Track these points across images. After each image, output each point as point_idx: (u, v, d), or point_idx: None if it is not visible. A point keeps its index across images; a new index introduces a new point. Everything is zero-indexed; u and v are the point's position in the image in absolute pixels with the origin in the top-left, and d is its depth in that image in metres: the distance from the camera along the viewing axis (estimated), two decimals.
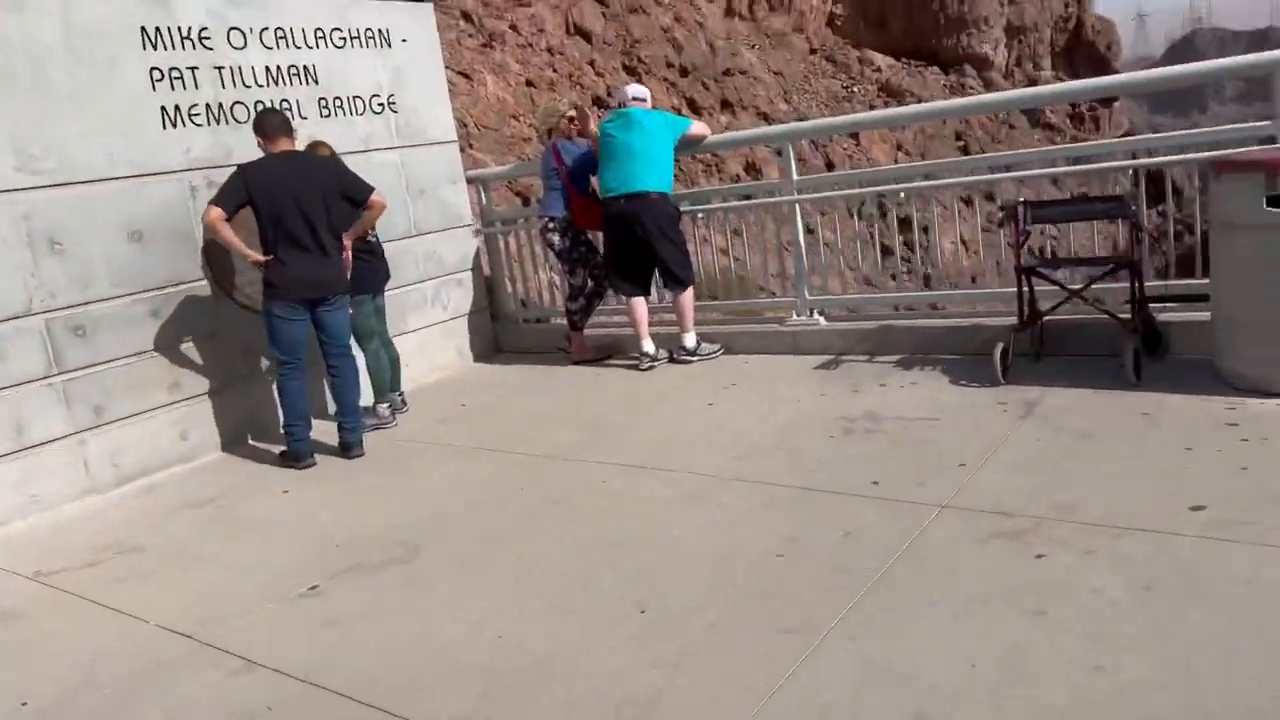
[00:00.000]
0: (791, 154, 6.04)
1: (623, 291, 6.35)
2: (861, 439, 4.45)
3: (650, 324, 6.38)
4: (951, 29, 23.50)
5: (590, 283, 6.69)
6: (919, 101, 20.20)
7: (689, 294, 6.18)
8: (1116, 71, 24.51)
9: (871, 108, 19.43)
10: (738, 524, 3.70)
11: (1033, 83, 24.02)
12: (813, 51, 21.37)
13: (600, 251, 6.61)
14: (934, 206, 6.31)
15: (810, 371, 5.74)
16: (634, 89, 6.34)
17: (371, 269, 5.63)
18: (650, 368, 6.25)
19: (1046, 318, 5.11)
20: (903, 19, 24.04)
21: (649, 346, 6.28)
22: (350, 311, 5.38)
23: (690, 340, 6.24)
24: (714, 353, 6.28)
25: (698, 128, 6.30)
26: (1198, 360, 4.76)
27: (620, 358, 6.76)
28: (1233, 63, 4.69)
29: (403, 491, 4.68)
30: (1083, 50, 24.38)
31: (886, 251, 6.50)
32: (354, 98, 6.41)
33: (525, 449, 5.02)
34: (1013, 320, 5.42)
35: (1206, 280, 5.01)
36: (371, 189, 5.27)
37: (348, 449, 5.28)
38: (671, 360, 6.33)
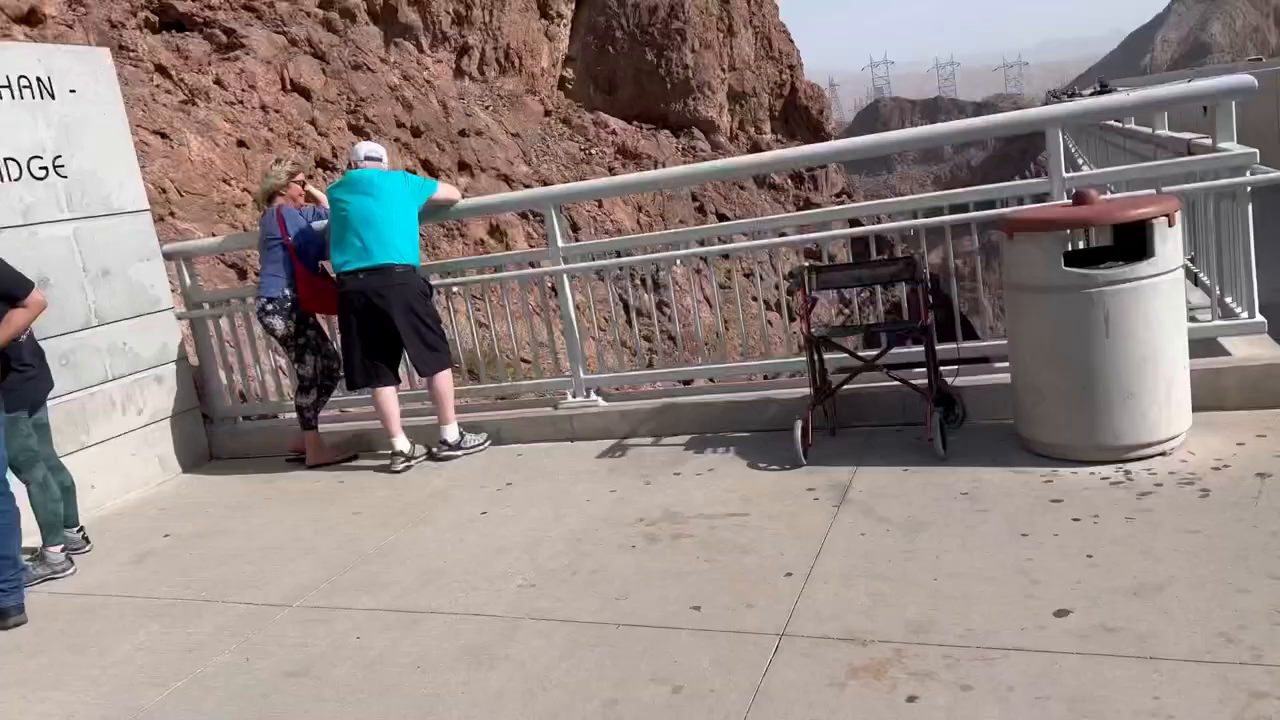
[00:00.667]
0: (555, 219, 5.41)
1: (364, 384, 5.41)
2: (668, 548, 3.81)
3: (402, 415, 5.49)
4: (678, 94, 24.21)
5: (322, 372, 5.71)
6: (656, 163, 20.49)
7: (447, 378, 5.36)
8: (830, 135, 26.22)
9: (610, 170, 19.45)
10: (538, 688, 2.91)
11: (756, 145, 25.18)
12: (547, 114, 21.18)
13: (331, 337, 5.67)
14: (714, 272, 5.89)
15: (594, 462, 5.07)
16: (367, 147, 5.48)
17: (23, 379, 4.37)
18: (406, 468, 5.35)
19: (841, 388, 4.75)
20: (632, 84, 24.49)
21: (403, 443, 5.38)
22: None
23: (451, 433, 5.40)
24: (480, 445, 5.47)
25: (446, 190, 5.54)
26: (995, 426, 4.56)
27: (368, 457, 5.79)
28: (1008, 119, 4.57)
29: (77, 678, 3.50)
30: (798, 114, 25.92)
31: (655, 321, 6.00)
32: (5, 160, 5.12)
33: (251, 596, 3.98)
34: (804, 392, 5.05)
35: (994, 342, 4.86)
36: (30, 285, 4.12)
37: (3, 617, 4.00)
38: (431, 457, 5.45)
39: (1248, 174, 4.22)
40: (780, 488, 4.27)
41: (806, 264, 4.69)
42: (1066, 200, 4.42)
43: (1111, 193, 4.94)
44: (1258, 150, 4.20)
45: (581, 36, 24.64)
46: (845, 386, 4.77)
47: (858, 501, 3.97)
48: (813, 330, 4.62)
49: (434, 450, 5.43)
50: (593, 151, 20.05)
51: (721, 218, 20.37)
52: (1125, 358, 3.81)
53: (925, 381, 4.60)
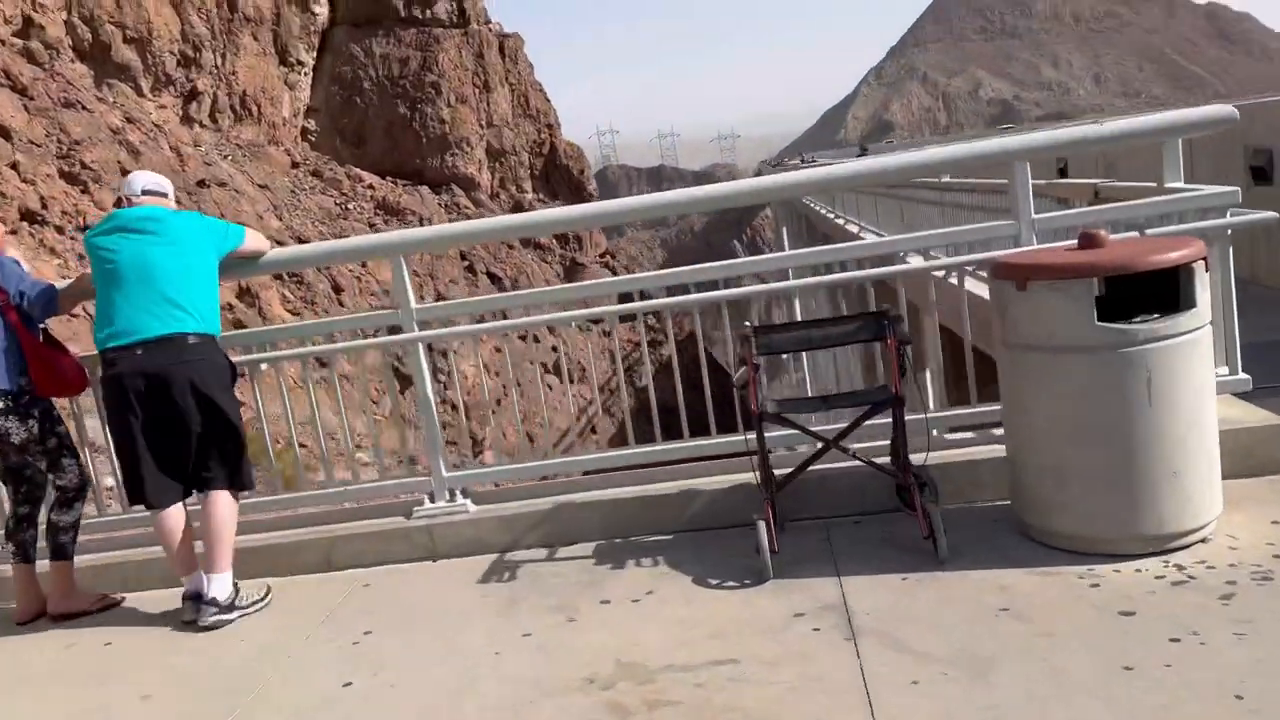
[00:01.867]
0: (405, 273, 4.20)
1: (160, 502, 3.90)
2: None
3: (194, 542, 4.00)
4: (434, 149, 23.01)
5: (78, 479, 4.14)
6: (422, 220, 19.13)
7: (231, 505, 3.87)
8: (592, 195, 25.92)
9: (371, 225, 17.89)
10: None
11: (518, 204, 24.40)
12: (295, 165, 19.28)
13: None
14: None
15: (476, 590, 3.86)
16: (145, 178, 4.01)
17: None
18: (214, 624, 3.83)
19: (791, 475, 3.87)
20: (382, 138, 23.04)
21: (201, 584, 3.89)
22: None
23: (223, 586, 3.82)
24: (261, 602, 3.95)
25: (254, 240, 4.17)
26: (968, 510, 3.85)
27: (140, 601, 4.22)
28: (968, 150, 3.94)
29: None
30: (559, 174, 25.43)
31: (543, 400, 4.87)
32: None
33: None
34: (735, 480, 4.13)
35: (974, 409, 4.17)
36: None
37: None
38: (189, 623, 3.87)
39: (1228, 215, 3.80)
40: (757, 615, 3.30)
41: (748, 325, 3.79)
42: (1043, 245, 3.84)
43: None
44: (1239, 188, 3.80)
45: (325, 86, 22.95)
46: (791, 470, 3.89)
47: (874, 630, 3.06)
48: (761, 403, 3.72)
49: (196, 612, 3.86)
50: (350, 206, 18.41)
51: (492, 278, 19.31)
52: (1170, 428, 3.20)
53: (891, 462, 3.84)
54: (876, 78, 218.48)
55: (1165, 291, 3.24)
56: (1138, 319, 3.20)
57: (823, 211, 20.68)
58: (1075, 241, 3.69)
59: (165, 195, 3.96)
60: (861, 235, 13.52)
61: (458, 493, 4.35)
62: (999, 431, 4.18)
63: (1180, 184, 4.21)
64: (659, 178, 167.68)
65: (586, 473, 4.31)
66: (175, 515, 3.89)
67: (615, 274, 24.30)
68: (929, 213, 8.96)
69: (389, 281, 12.92)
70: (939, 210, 8.58)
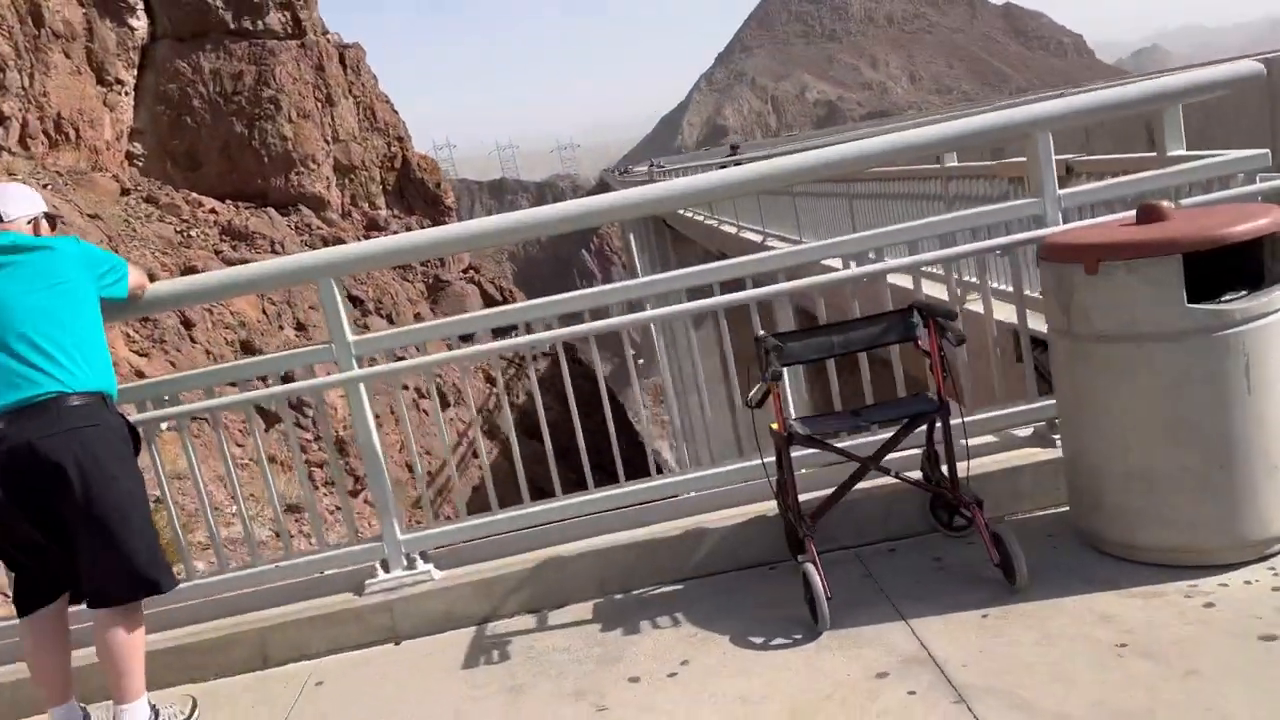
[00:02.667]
0: (339, 300, 3.46)
1: (28, 607, 3.03)
2: None
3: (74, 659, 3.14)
4: (278, 168, 21.52)
5: None
6: (274, 244, 17.76)
7: (136, 619, 3.00)
8: (451, 208, 24.90)
9: (218, 253, 16.43)
10: None
11: (372, 221, 23.14)
12: (125, 192, 17.56)
13: None
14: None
15: (464, 680, 3.17)
16: (13, 191, 3.11)
17: None
18: None
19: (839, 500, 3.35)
20: (219, 159, 21.38)
21: (75, 713, 3.04)
22: None
23: (139, 715, 2.96)
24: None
25: (136, 275, 3.31)
26: (1015, 523, 3.44)
27: None
28: (982, 123, 3.50)
29: None
30: (413, 187, 24.31)
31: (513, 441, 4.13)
32: None
33: None
34: (744, 512, 3.59)
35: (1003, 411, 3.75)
36: None
37: None
38: None
39: (1257, 180, 3.52)
40: (832, 681, 2.75)
41: (761, 334, 3.25)
42: (1070, 225, 3.45)
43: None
44: (1269, 150, 3.52)
45: (150, 105, 21.12)
46: (827, 498, 3.38)
47: (984, 689, 2.57)
48: (789, 423, 3.19)
49: None
50: (193, 234, 16.90)
51: (354, 300, 18.13)
52: (1272, 418, 2.84)
53: (925, 476, 3.39)
54: (708, 84, 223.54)
55: (1238, 266, 2.89)
56: (1226, 298, 2.83)
57: (701, 219, 20.22)
58: (1119, 216, 3.33)
59: (32, 215, 3.08)
60: (770, 245, 11.69)
61: (417, 558, 3.63)
62: (1023, 432, 3.80)
63: (1184, 151, 3.93)
64: (501, 190, 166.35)
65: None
66: (43, 623, 3.02)
67: (483, 289, 23.39)
68: (892, 208, 8.11)
69: (243, 311, 11.72)
70: (905, 204, 7.78)
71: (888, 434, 3.30)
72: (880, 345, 3.40)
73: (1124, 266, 2.85)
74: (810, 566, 3.05)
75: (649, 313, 3.57)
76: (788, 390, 3.23)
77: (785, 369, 3.16)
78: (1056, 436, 3.62)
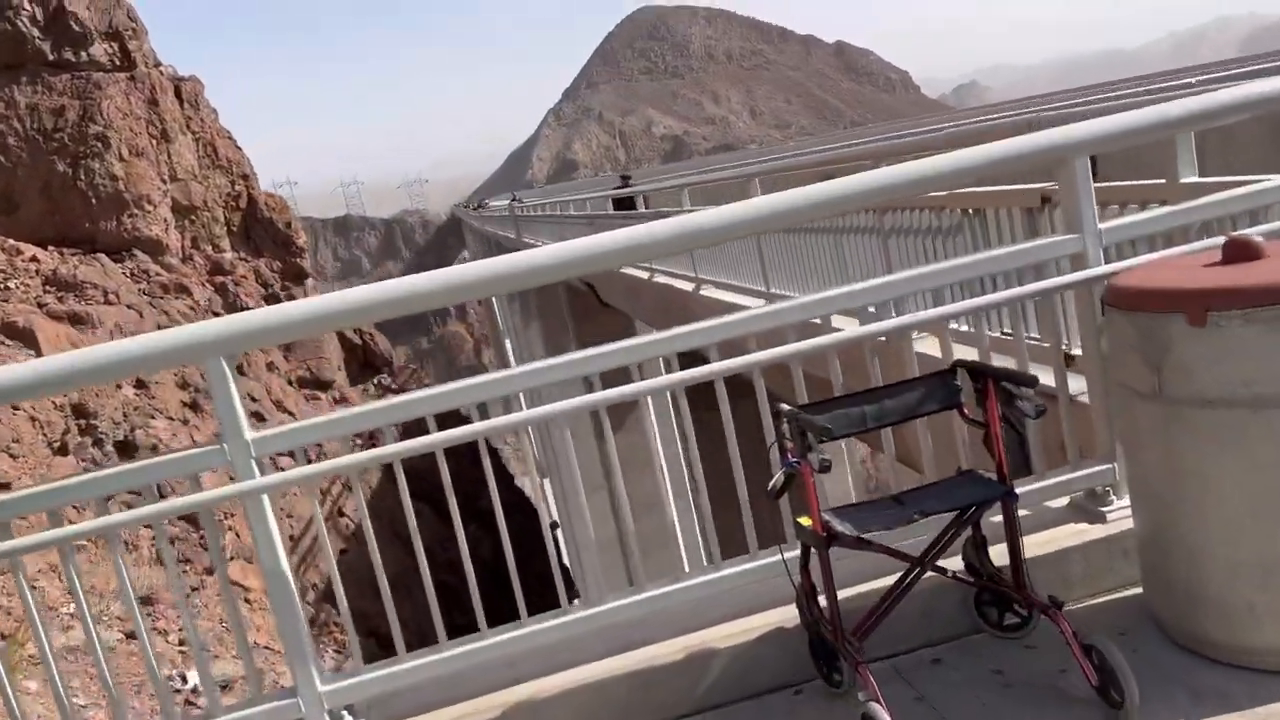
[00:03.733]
0: (232, 386, 2.61)
1: None
2: None
3: None
4: (108, 210, 19.65)
5: None
6: (107, 294, 15.98)
7: None
8: (303, 249, 23.36)
9: (41, 305, 14.64)
10: None
11: (217, 265, 21.42)
12: None
13: None
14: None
15: None
16: None
17: None
18: None
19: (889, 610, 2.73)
20: (40, 200, 19.35)
21: None
22: None
23: None
24: None
25: None
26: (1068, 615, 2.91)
27: None
28: (1017, 146, 2.98)
29: None
30: (261, 228, 22.72)
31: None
32: None
33: None
34: (758, 624, 2.94)
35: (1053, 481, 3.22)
36: None
37: None
38: None
39: None
40: None
41: (785, 408, 2.61)
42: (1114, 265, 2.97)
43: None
44: None
45: None
46: (875, 609, 2.75)
47: None
48: (831, 524, 2.55)
49: None
50: (10, 285, 15.05)
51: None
52: None
53: (971, 569, 2.83)
54: (556, 118, 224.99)
55: None
56: None
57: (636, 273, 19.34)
58: (1175, 252, 2.87)
59: None
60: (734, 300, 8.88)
61: (345, 715, 2.79)
62: (1058, 503, 3.30)
63: (1196, 178, 3.55)
64: (347, 227, 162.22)
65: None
66: None
67: (341, 334, 21.97)
68: (856, 246, 6.77)
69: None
70: (858, 240, 6.84)
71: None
72: (920, 415, 2.82)
73: (1240, 317, 2.36)
74: (876, 707, 2.41)
75: (637, 386, 2.87)
76: (822, 481, 2.60)
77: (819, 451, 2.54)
78: (1105, 509, 3.13)
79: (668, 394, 2.99)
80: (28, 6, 20.05)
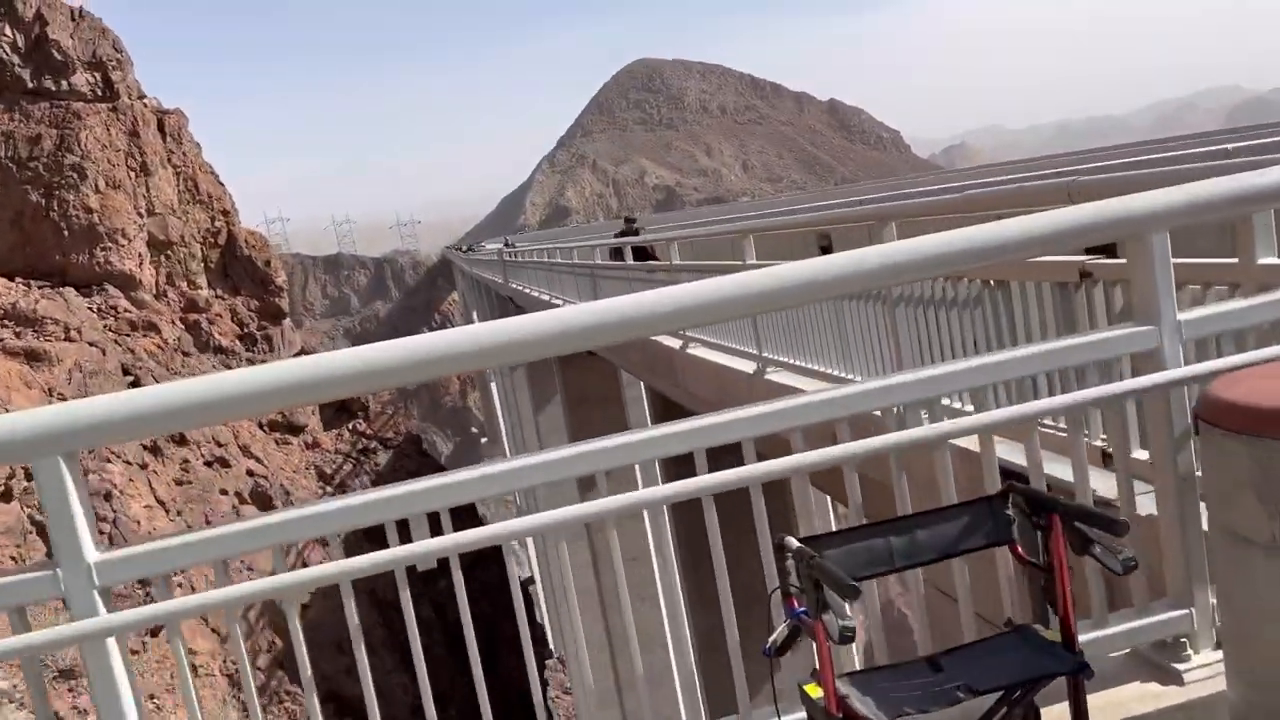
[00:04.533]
0: (72, 488, 2.00)
1: None
2: None
3: None
4: (80, 243, 19.03)
5: None
6: (69, 330, 15.30)
7: None
8: (282, 287, 22.75)
9: (1, 344, 13.97)
10: None
11: (192, 303, 20.78)
12: None
13: None
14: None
15: None
16: None
17: None
18: None
19: None
20: (9, 231, 18.74)
21: None
22: None
23: None
24: None
25: None
26: None
27: None
28: (1086, 216, 2.43)
29: None
30: (239, 265, 22.10)
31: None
32: None
33: None
34: None
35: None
36: None
37: None
38: None
39: None
40: None
41: (791, 543, 2.02)
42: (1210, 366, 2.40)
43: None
44: None
45: None
46: None
47: None
48: (851, 703, 1.94)
49: None
50: None
51: None
52: None
53: None
54: (550, 165, 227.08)
55: None
56: None
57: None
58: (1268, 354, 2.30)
59: None
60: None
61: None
62: (1116, 652, 2.69)
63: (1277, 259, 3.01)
64: (338, 265, 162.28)
65: None
66: None
67: None
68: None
69: (18, 405, 9.65)
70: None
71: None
72: (961, 553, 2.23)
73: None
74: None
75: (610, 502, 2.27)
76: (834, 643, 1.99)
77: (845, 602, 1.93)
78: (1181, 667, 2.53)
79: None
80: (9, 33, 19.62)
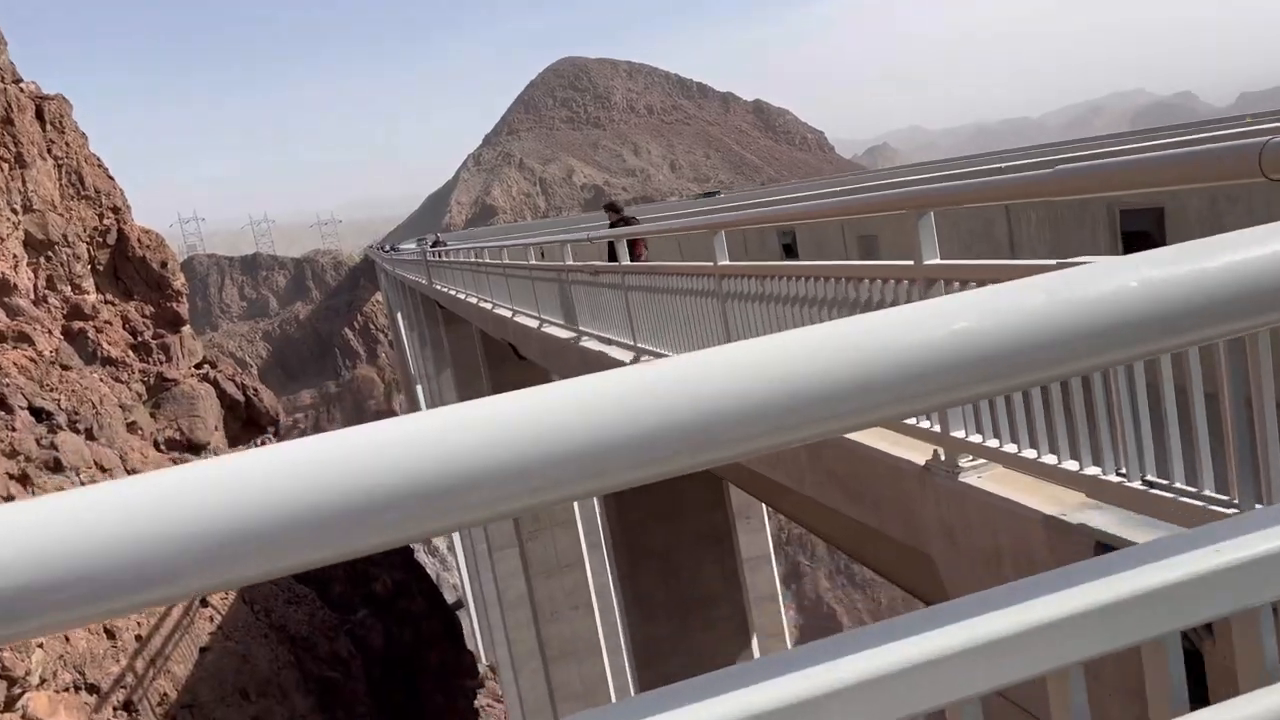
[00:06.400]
0: None
1: None
2: None
3: None
4: None
5: None
6: None
7: None
8: (181, 291, 20.75)
9: None
10: None
11: (78, 309, 18.75)
12: None
13: None
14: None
15: None
16: None
17: None
18: None
19: None
20: None
21: None
22: None
23: None
24: None
25: None
26: None
27: None
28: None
29: None
30: (132, 268, 20.11)
31: None
32: None
33: None
34: None
35: None
36: None
37: None
38: None
39: None
40: None
41: None
42: None
43: None
44: None
45: None
46: None
47: None
48: None
49: None
50: None
51: (38, 414, 13.97)
52: None
53: None
54: (476, 164, 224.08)
55: None
56: None
57: (474, 301, 16.57)
58: None
59: None
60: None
61: None
62: None
63: None
64: (255, 265, 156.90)
65: None
66: None
67: (220, 389, 19.44)
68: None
69: None
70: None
71: None
72: None
73: None
74: None
75: None
76: None
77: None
78: None
79: None
80: None
